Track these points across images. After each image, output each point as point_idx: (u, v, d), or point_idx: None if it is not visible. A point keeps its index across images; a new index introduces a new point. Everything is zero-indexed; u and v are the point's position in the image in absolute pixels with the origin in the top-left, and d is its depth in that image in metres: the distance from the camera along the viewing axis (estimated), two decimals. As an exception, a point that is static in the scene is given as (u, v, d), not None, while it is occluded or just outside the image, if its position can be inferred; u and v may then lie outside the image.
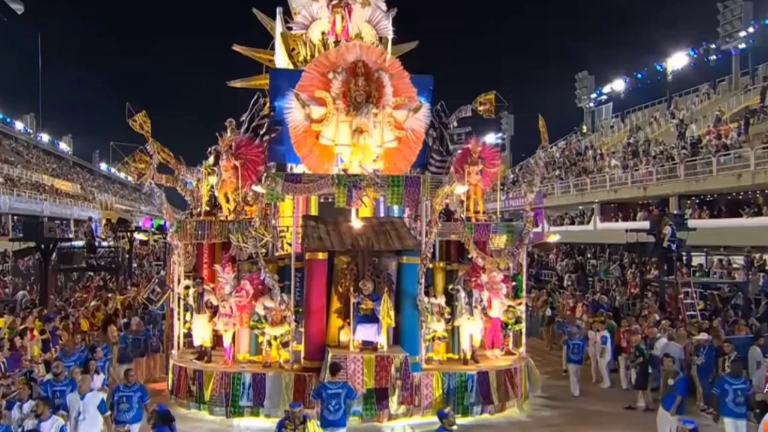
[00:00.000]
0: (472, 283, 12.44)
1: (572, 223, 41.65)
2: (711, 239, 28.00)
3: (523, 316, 13.09)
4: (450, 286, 12.57)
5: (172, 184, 14.61)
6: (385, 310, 11.33)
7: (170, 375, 12.63)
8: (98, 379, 11.29)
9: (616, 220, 38.79)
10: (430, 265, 12.42)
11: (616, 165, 38.26)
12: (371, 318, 11.25)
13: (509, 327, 13.03)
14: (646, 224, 25.88)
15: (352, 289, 11.40)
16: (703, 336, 13.35)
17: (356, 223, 12.24)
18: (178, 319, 13.06)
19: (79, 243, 33.43)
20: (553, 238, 15.15)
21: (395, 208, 13.74)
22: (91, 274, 29.72)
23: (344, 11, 14.72)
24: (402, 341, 11.79)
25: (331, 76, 12.50)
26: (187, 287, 12.80)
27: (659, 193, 34.17)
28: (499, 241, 12.69)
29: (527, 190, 41.65)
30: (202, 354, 12.43)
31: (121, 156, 13.10)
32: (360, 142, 12.11)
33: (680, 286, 18.68)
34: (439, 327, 12.15)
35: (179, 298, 12.91)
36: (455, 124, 14.27)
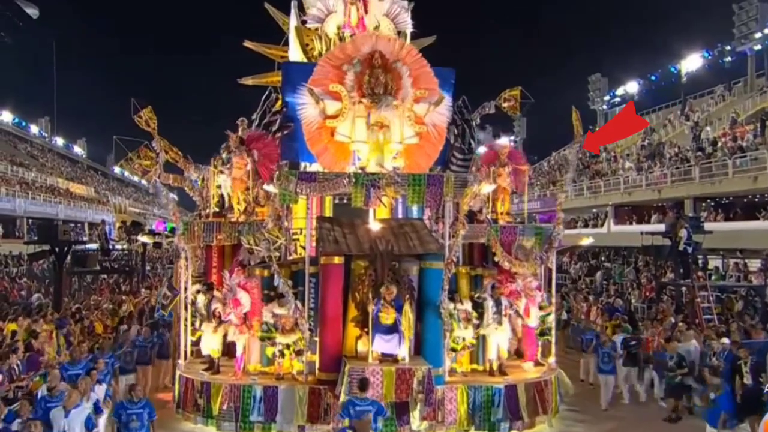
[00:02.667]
0: (507, 290, 11.39)
1: (585, 225, 40.58)
2: (727, 242, 27.24)
3: (553, 325, 11.98)
4: (476, 294, 11.52)
5: (179, 184, 13.65)
6: (407, 320, 10.30)
7: (176, 386, 11.61)
8: (100, 390, 10.36)
9: (630, 223, 37.97)
10: (454, 270, 11.30)
11: (630, 167, 37.31)
12: (391, 328, 10.19)
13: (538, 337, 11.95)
14: (661, 227, 25.10)
15: (371, 295, 10.30)
16: (725, 341, 12.69)
17: (374, 225, 11.21)
18: (185, 326, 12.06)
19: (93, 246, 33.06)
20: (586, 241, 13.96)
21: (413, 208, 12.74)
22: (105, 276, 29.32)
23: (360, 3, 13.76)
24: (424, 352, 10.69)
25: (345, 68, 11.48)
26: (197, 292, 11.82)
27: (674, 196, 33.62)
28: (527, 244, 11.65)
29: (542, 192, 40.89)
30: (212, 364, 11.43)
31: (125, 152, 12.10)
32: (379, 138, 11.06)
33: (696, 289, 17.98)
34: (467, 334, 11.03)
35: (186, 305, 11.88)
36: (478, 120, 13.21)
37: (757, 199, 31.01)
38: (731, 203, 32.97)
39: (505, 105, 13.26)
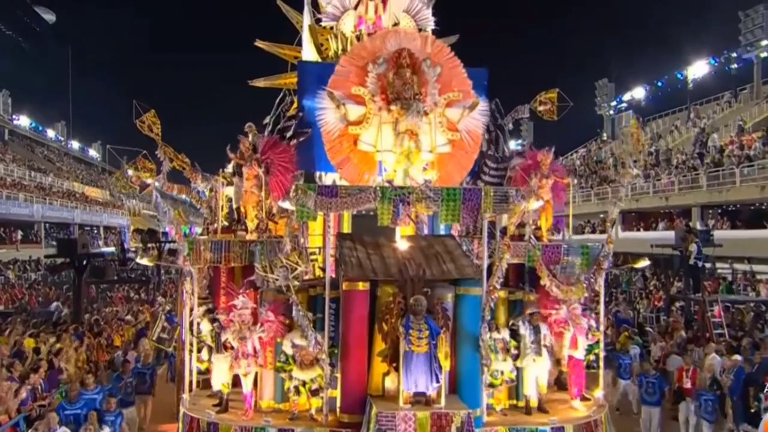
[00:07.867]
0: (551, 318, 9.61)
1: (593, 231, 38.87)
2: (734, 250, 26.02)
3: (602, 354, 10.15)
4: (511, 322, 9.73)
5: (186, 195, 11.90)
6: (444, 347, 8.51)
7: (180, 425, 9.78)
8: None
9: (638, 230, 36.52)
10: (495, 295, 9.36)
11: (638, 174, 35.61)
12: (424, 358, 8.33)
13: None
14: (669, 234, 24.10)
15: (400, 327, 8.44)
16: (737, 357, 11.97)
17: (402, 244, 9.39)
18: (190, 352, 10.24)
19: (109, 249, 32.15)
20: (641, 264, 12.15)
21: (441, 225, 10.91)
22: (119, 286, 28.42)
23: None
24: (460, 390, 8.83)
25: (370, 68, 9.67)
26: (208, 312, 9.99)
27: (681, 203, 32.36)
28: (572, 264, 9.85)
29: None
30: (221, 400, 9.59)
31: (118, 161, 10.28)
32: (410, 147, 9.25)
33: (707, 304, 16.87)
34: (506, 367, 9.21)
35: (192, 330, 10.05)
36: (510, 126, 11.41)
37: (764, 208, 29.85)
38: (738, 211, 31.80)
39: (541, 108, 11.45)
